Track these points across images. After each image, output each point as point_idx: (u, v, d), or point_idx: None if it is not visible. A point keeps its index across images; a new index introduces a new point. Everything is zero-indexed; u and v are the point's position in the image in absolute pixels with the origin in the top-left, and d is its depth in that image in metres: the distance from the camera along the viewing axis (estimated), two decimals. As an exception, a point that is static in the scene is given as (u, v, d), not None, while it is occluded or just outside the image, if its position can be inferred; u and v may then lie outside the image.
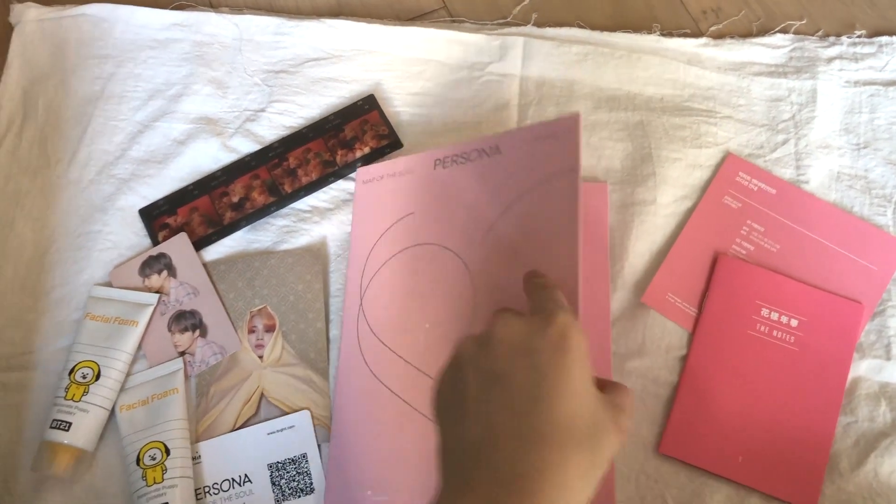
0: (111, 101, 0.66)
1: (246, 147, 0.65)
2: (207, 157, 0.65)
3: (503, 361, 0.39)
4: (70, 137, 0.65)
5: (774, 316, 0.59)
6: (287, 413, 0.57)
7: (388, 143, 0.65)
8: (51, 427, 0.55)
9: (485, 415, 0.38)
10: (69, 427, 0.55)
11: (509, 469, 0.35)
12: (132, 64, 0.67)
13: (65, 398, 0.56)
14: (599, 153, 0.65)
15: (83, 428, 0.55)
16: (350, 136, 0.65)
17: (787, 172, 0.64)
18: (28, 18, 0.67)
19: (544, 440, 0.36)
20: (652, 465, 0.57)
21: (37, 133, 0.65)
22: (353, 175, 0.64)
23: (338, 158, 0.65)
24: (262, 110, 0.66)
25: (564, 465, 0.35)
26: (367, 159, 0.65)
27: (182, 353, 0.59)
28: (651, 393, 0.58)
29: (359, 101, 0.66)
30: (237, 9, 0.70)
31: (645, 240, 0.62)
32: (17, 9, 0.68)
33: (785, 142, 0.65)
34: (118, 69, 0.67)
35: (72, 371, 0.57)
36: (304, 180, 0.64)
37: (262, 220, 0.63)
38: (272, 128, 0.66)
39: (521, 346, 0.39)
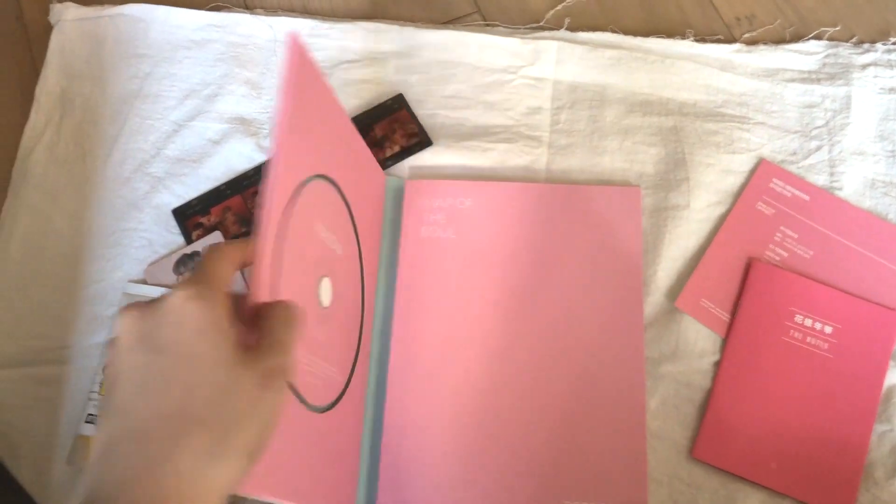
0: (147, 100, 0.66)
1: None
2: (241, 156, 0.65)
3: (118, 364, 0.35)
4: (106, 135, 0.65)
5: (808, 322, 0.59)
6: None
7: (417, 141, 0.66)
8: (86, 422, 0.56)
9: (103, 421, 0.34)
10: None
11: (119, 476, 0.32)
12: (168, 64, 0.67)
13: (100, 393, 0.56)
14: (632, 157, 0.65)
15: (118, 423, 0.55)
16: (380, 135, 0.66)
17: (820, 179, 0.64)
18: (67, 18, 0.68)
19: (146, 436, 0.32)
20: (685, 470, 0.57)
21: (74, 130, 0.65)
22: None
23: (369, 158, 0.65)
24: (296, 111, 0.66)
25: (174, 455, 0.32)
26: (398, 158, 0.65)
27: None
28: (684, 397, 0.58)
29: (387, 100, 0.67)
30: (272, 10, 0.71)
31: (678, 244, 0.62)
32: (56, 8, 0.69)
33: (818, 148, 0.64)
34: (154, 69, 0.67)
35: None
36: (337, 180, 0.64)
37: (295, 220, 0.63)
38: (306, 128, 0.66)
39: (135, 342, 0.34)
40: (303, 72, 0.46)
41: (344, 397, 0.53)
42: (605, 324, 0.59)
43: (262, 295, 0.40)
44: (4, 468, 0.56)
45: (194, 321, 0.34)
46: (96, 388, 0.56)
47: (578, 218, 0.61)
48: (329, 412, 0.50)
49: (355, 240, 0.56)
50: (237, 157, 0.65)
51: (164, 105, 0.66)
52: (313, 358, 0.48)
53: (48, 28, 0.68)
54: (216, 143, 0.65)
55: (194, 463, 0.32)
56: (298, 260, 0.45)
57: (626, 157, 0.65)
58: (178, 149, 0.65)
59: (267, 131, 0.66)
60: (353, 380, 0.56)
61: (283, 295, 0.42)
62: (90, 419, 0.55)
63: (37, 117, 0.66)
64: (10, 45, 0.69)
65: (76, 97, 0.66)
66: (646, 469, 0.55)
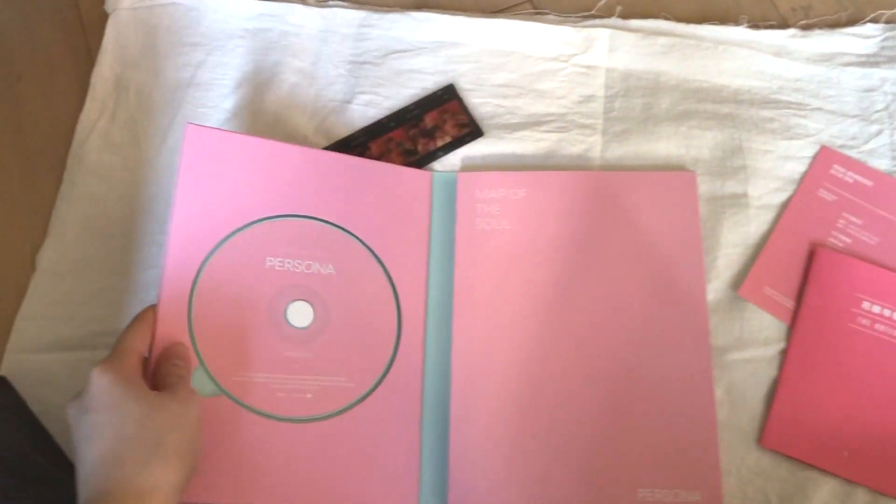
0: (200, 88, 0.66)
1: (331, 137, 0.65)
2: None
3: (74, 435, 0.45)
4: (160, 123, 0.65)
5: (876, 309, 0.57)
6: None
7: (468, 131, 0.65)
8: None
9: (78, 471, 0.44)
10: None
11: (91, 492, 0.42)
12: (221, 52, 0.67)
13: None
14: (688, 143, 0.64)
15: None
16: (431, 125, 0.65)
17: (882, 163, 0.62)
18: (122, 6, 0.68)
19: (101, 465, 0.43)
20: (753, 459, 0.55)
21: (128, 118, 0.65)
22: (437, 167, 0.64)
23: (419, 147, 0.65)
24: (348, 101, 0.66)
25: (118, 469, 0.42)
26: (448, 148, 0.64)
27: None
28: (751, 385, 0.57)
29: (438, 90, 0.66)
30: (323, 0, 0.71)
31: (737, 232, 0.61)
32: (111, -3, 0.69)
33: (879, 132, 0.63)
34: (207, 57, 0.67)
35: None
36: (387, 171, 0.64)
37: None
38: (357, 119, 0.66)
39: (76, 416, 0.45)
40: (200, 154, 0.55)
41: (368, 399, 0.55)
42: (668, 311, 0.58)
43: (156, 352, 0.51)
44: (63, 454, 0.56)
45: (108, 385, 0.45)
46: None
47: (635, 205, 0.60)
48: (335, 418, 0.54)
49: (366, 251, 0.58)
50: (290, 145, 0.65)
51: (217, 93, 0.66)
52: (291, 376, 0.54)
53: (104, 16, 0.69)
54: (269, 132, 0.65)
55: (136, 470, 0.42)
56: (235, 300, 0.54)
57: (682, 142, 0.64)
58: (230, 137, 0.65)
59: (318, 121, 0.65)
60: (385, 381, 0.55)
61: (219, 336, 0.53)
62: None
63: (91, 105, 0.66)
64: (66, 33, 0.69)
65: (130, 85, 0.66)
66: (717, 455, 0.54)
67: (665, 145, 0.64)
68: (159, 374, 0.50)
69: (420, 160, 0.64)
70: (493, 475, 0.54)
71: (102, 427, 0.44)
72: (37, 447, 0.55)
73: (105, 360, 0.46)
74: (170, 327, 0.52)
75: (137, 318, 0.51)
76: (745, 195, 0.62)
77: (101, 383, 0.45)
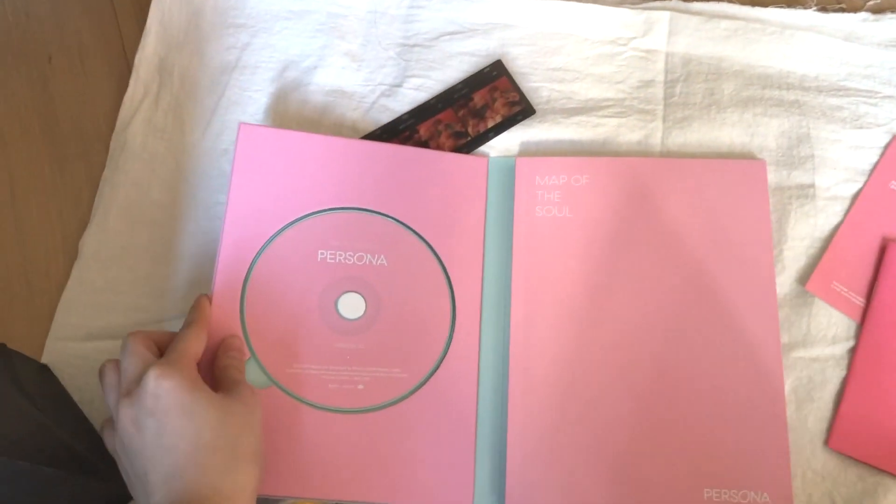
0: (245, 71, 0.64)
1: (380, 123, 0.63)
2: (341, 131, 0.63)
3: (125, 446, 0.45)
4: (204, 106, 0.63)
5: (954, 307, 0.55)
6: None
7: (520, 110, 0.63)
8: None
9: (136, 489, 0.47)
10: None
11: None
12: (266, 34, 0.65)
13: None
14: (753, 130, 0.61)
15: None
16: (480, 104, 0.63)
17: (959, 155, 0.59)
18: (166, -13, 0.66)
19: (179, 473, 0.43)
20: (819, 461, 0.53)
21: (172, 101, 0.64)
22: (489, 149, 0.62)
23: (469, 129, 0.62)
24: (398, 85, 0.64)
25: (202, 478, 0.43)
26: (500, 129, 0.62)
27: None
28: (818, 384, 0.55)
29: (485, 68, 0.64)
30: (370, -19, 0.68)
31: (805, 224, 0.58)
32: (155, -23, 0.67)
33: (956, 123, 0.60)
34: (253, 39, 0.65)
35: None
36: (437, 154, 0.62)
37: (399, 195, 0.61)
38: (408, 103, 0.64)
39: (131, 426, 0.44)
40: (253, 152, 0.56)
41: (421, 390, 0.54)
42: (736, 305, 0.55)
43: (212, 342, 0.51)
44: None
45: (173, 389, 0.44)
46: None
47: (702, 193, 0.58)
48: (388, 409, 0.53)
49: (419, 241, 0.56)
50: (336, 132, 0.63)
51: (263, 77, 0.64)
52: (342, 368, 0.53)
53: (135, -3, 0.67)
54: (316, 116, 0.63)
55: (219, 476, 0.43)
56: (287, 293, 0.54)
57: (747, 130, 0.61)
58: (276, 121, 0.63)
59: (367, 105, 0.64)
60: (439, 372, 0.54)
61: (271, 328, 0.53)
62: None
63: (135, 87, 0.64)
64: (96, 15, 0.67)
65: (174, 67, 0.64)
66: (788, 456, 0.52)
67: (729, 133, 0.61)
68: (217, 366, 0.49)
69: (471, 143, 0.62)
70: (552, 471, 0.52)
71: (177, 433, 0.43)
72: (79, 437, 0.54)
73: (164, 363, 0.45)
74: (223, 320, 0.52)
75: (193, 321, 0.50)
76: (812, 186, 0.59)
77: (165, 386, 0.44)
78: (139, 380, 0.45)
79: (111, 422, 0.48)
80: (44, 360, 0.57)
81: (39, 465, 0.45)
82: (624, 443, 0.53)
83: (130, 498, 0.53)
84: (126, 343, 0.48)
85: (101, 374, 0.49)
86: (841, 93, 0.62)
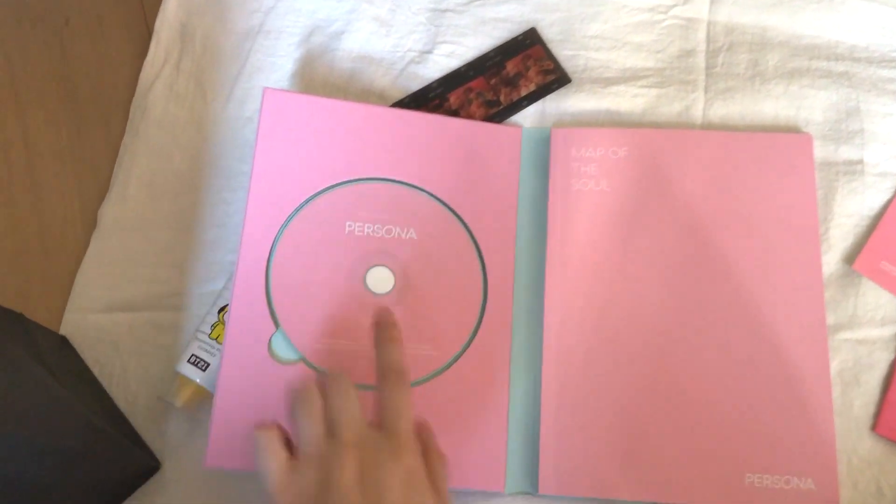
0: (269, 36, 0.62)
1: (409, 91, 0.61)
2: (369, 98, 0.60)
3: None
4: (227, 73, 0.61)
5: None
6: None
7: (554, 78, 0.60)
8: (188, 361, 0.52)
9: None
10: (206, 368, 0.51)
11: None
12: (292, -2, 0.63)
13: (209, 336, 0.52)
14: (799, 103, 0.59)
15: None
16: (513, 72, 0.61)
17: None
18: (188, -53, 0.64)
19: None
20: (865, 447, 0.51)
21: (194, 67, 0.61)
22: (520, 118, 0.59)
23: (502, 97, 0.60)
24: (428, 52, 0.62)
25: None
26: (533, 97, 0.60)
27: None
28: (865, 367, 0.52)
29: (519, 35, 0.62)
30: (399, -56, 0.66)
31: (852, 200, 0.56)
32: (175, -62, 0.65)
33: None
34: (277, 3, 0.63)
35: (223, 309, 0.53)
36: (468, 124, 0.59)
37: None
38: (438, 70, 0.61)
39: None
40: (278, 118, 0.54)
41: (452, 368, 0.52)
42: (779, 285, 0.53)
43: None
44: (126, 421, 0.53)
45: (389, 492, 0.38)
46: (206, 330, 0.52)
47: (746, 168, 0.56)
48: (418, 388, 0.51)
49: (450, 214, 0.54)
50: (364, 99, 0.60)
51: (288, 42, 0.62)
52: (370, 343, 0.49)
53: (169, -41, 0.64)
54: (343, 83, 0.61)
55: None
56: (313, 266, 0.52)
57: (792, 102, 0.59)
58: (302, 88, 0.61)
59: (396, 72, 0.61)
60: (470, 350, 0.52)
61: (297, 302, 0.51)
62: (194, 360, 0.52)
63: (156, 52, 0.62)
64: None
65: (196, 32, 0.62)
66: (834, 441, 0.50)
67: (774, 105, 0.59)
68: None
69: (503, 111, 0.60)
70: (586, 453, 0.50)
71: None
72: (98, 411, 0.52)
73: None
74: (248, 293, 0.50)
75: (403, 381, 0.45)
76: (861, 162, 0.57)
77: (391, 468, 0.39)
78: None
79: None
80: (62, 332, 0.56)
81: (61, 441, 0.43)
82: (661, 424, 0.51)
83: (151, 473, 0.52)
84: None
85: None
86: (893, 64, 0.59)
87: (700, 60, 0.61)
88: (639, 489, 0.50)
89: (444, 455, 0.43)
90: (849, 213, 0.56)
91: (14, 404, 0.41)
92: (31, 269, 0.58)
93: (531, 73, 0.61)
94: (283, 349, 0.50)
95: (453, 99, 0.60)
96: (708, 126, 0.59)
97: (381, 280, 0.53)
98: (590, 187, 0.55)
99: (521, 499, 0.51)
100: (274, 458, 0.40)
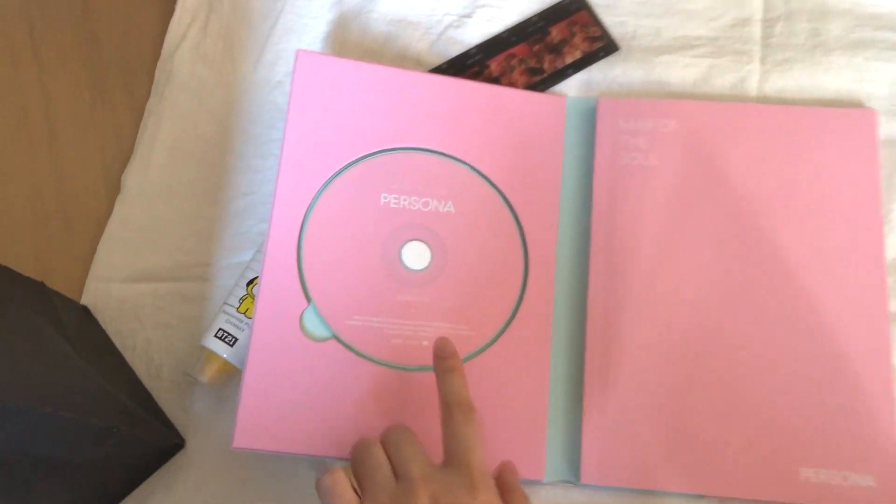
0: (302, -5, 0.59)
1: (447, 56, 0.58)
2: (404, 63, 0.57)
3: None
4: (257, 35, 0.58)
5: None
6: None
7: (601, 46, 0.57)
8: (215, 336, 0.50)
9: None
10: (234, 343, 0.49)
11: None
12: (325, -44, 0.60)
13: (237, 309, 0.50)
14: (862, 76, 0.55)
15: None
16: (558, 39, 0.57)
17: None
18: None
19: None
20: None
21: (222, 28, 0.58)
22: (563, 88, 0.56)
23: (545, 65, 0.57)
24: (468, 15, 0.58)
25: None
26: (579, 65, 0.56)
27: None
28: (930, 360, 0.49)
29: (564, 0, 0.58)
30: None
31: (918, 181, 0.53)
32: None
33: None
34: (311, -40, 0.60)
35: (251, 282, 0.51)
36: (511, 92, 0.56)
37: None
38: (478, 35, 0.58)
39: None
40: (312, 82, 0.51)
41: (490, 349, 0.49)
42: (838, 270, 0.50)
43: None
44: (150, 396, 0.51)
45: None
46: (234, 303, 0.50)
47: (802, 144, 0.52)
48: None
49: (490, 187, 0.52)
50: (401, 64, 0.57)
51: (321, 2, 0.59)
52: (406, 322, 0.49)
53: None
54: (377, 47, 0.58)
55: None
56: (347, 238, 0.50)
57: (856, 76, 0.55)
58: (335, 52, 0.58)
59: (434, 36, 0.58)
60: (509, 330, 0.50)
61: (330, 276, 0.49)
62: (221, 335, 0.49)
63: (182, 12, 0.59)
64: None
65: (225, -10, 0.59)
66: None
67: (835, 78, 0.55)
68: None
69: (546, 80, 0.56)
70: (631, 443, 0.48)
71: None
72: (121, 386, 0.50)
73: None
74: (279, 266, 0.48)
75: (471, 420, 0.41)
76: (927, 139, 0.54)
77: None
78: None
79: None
80: (83, 302, 0.54)
81: (83, 417, 0.41)
82: (710, 412, 0.48)
83: (175, 451, 0.50)
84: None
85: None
86: (963, 36, 0.56)
87: (756, 29, 0.57)
88: (685, 481, 0.47)
89: (528, 497, 0.41)
90: (914, 195, 0.53)
91: (36, 378, 0.39)
92: (52, 237, 0.56)
93: (577, 39, 0.57)
94: (314, 325, 0.48)
95: (494, 66, 0.57)
96: (763, 99, 0.55)
97: (416, 255, 0.50)
98: (638, 161, 0.52)
99: (560, 488, 0.48)
100: (344, 502, 0.38)
